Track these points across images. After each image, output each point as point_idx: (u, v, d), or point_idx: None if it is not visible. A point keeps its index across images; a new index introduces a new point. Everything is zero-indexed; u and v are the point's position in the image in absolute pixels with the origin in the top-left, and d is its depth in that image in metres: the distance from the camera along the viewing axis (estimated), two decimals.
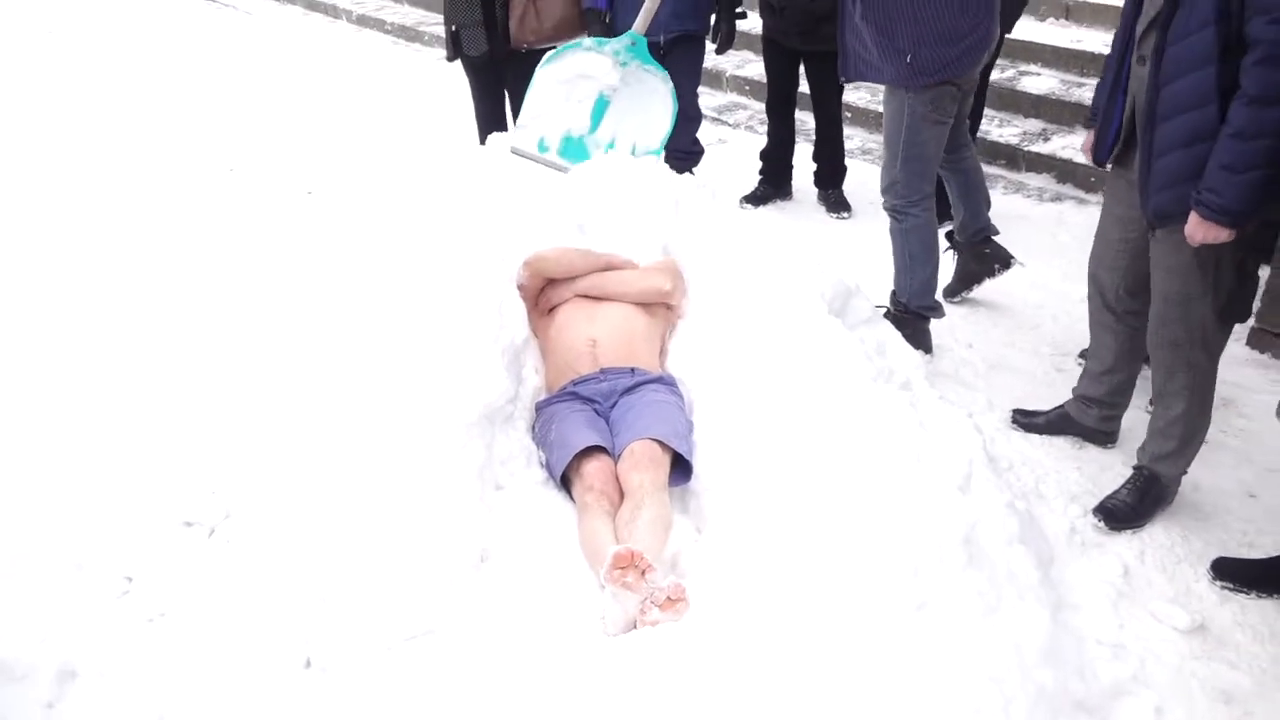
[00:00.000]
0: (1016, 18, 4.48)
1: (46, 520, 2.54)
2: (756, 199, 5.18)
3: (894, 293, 3.79)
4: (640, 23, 3.73)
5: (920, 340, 3.67)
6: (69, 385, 2.93)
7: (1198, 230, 2.45)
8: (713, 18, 4.78)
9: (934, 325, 3.79)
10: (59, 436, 2.77)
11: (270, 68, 8.11)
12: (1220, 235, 2.44)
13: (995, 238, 4.00)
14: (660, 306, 3.04)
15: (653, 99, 3.67)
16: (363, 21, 9.67)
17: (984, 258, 4.01)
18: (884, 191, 3.65)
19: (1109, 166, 2.82)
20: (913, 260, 3.68)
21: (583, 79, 3.69)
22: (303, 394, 2.63)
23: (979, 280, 4.06)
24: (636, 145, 3.63)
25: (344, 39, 9.27)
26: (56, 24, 9.80)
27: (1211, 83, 2.36)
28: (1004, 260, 4.01)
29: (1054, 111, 5.47)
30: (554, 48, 4.88)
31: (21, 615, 2.31)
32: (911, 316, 3.72)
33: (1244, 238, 2.51)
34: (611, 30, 4.66)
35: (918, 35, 3.30)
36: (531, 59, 4.90)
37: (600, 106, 3.65)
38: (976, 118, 4.83)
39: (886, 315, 3.71)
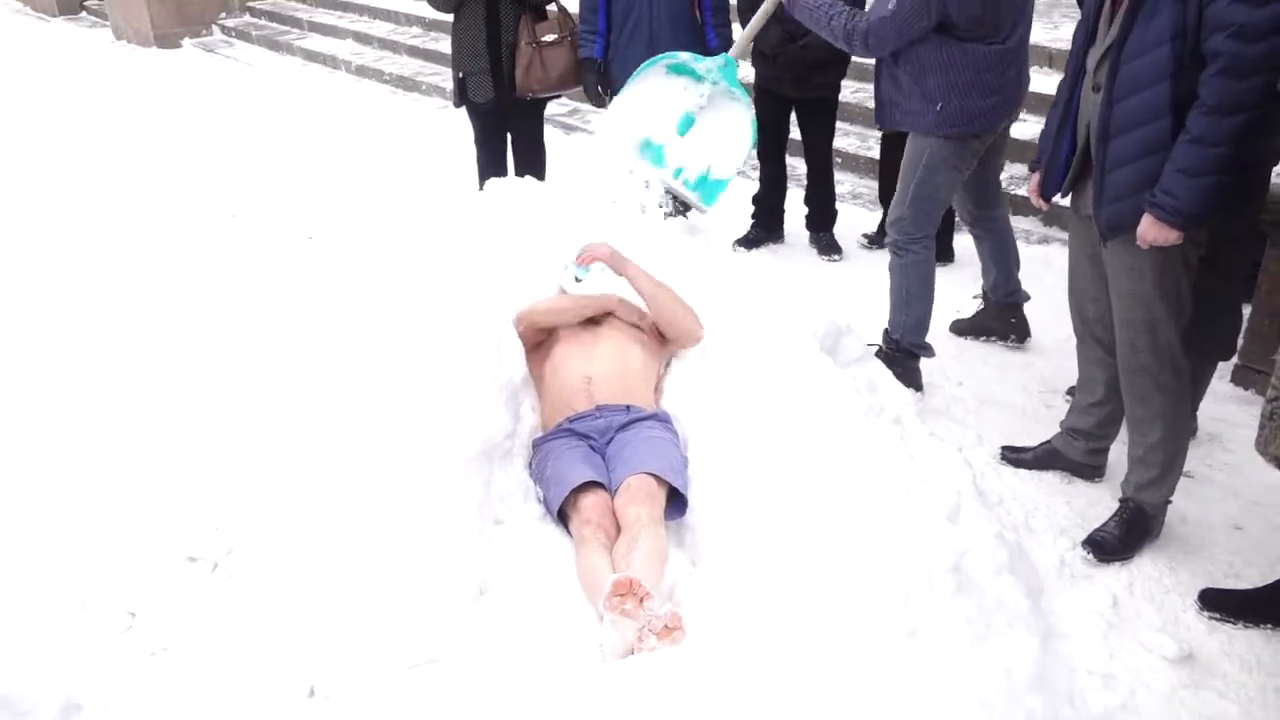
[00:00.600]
0: None
1: (50, 556, 2.57)
2: (749, 242, 5.27)
3: (886, 330, 3.87)
4: (737, 47, 3.90)
5: (910, 378, 3.74)
6: (75, 422, 2.97)
7: (1149, 230, 2.54)
8: None
9: (924, 363, 3.86)
10: (64, 472, 2.81)
11: (270, 117, 8.25)
12: (1170, 236, 2.52)
13: (1032, 312, 4.10)
14: (655, 341, 3.10)
15: (733, 125, 3.77)
16: (361, 72, 9.83)
17: (1007, 323, 4.12)
18: (889, 225, 3.75)
19: (1059, 201, 2.93)
20: (909, 296, 3.76)
21: (675, 90, 3.83)
22: (306, 430, 2.68)
23: (989, 336, 4.15)
24: (711, 168, 3.70)
25: (343, 89, 9.43)
26: (60, 77, 9.97)
27: (1166, 98, 2.47)
28: (1022, 334, 4.11)
29: (1022, 152, 5.58)
30: (558, 96, 5.03)
31: (25, 650, 2.34)
32: (902, 354, 3.79)
33: (1210, 266, 2.60)
34: (606, 79, 4.81)
35: (949, 85, 3.41)
36: (535, 106, 5.06)
37: (686, 122, 3.73)
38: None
39: (878, 353, 3.78)
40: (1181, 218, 2.48)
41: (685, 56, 3.90)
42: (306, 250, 4.51)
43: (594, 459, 2.70)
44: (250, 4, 12.20)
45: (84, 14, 13.93)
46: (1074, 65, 2.77)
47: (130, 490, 2.73)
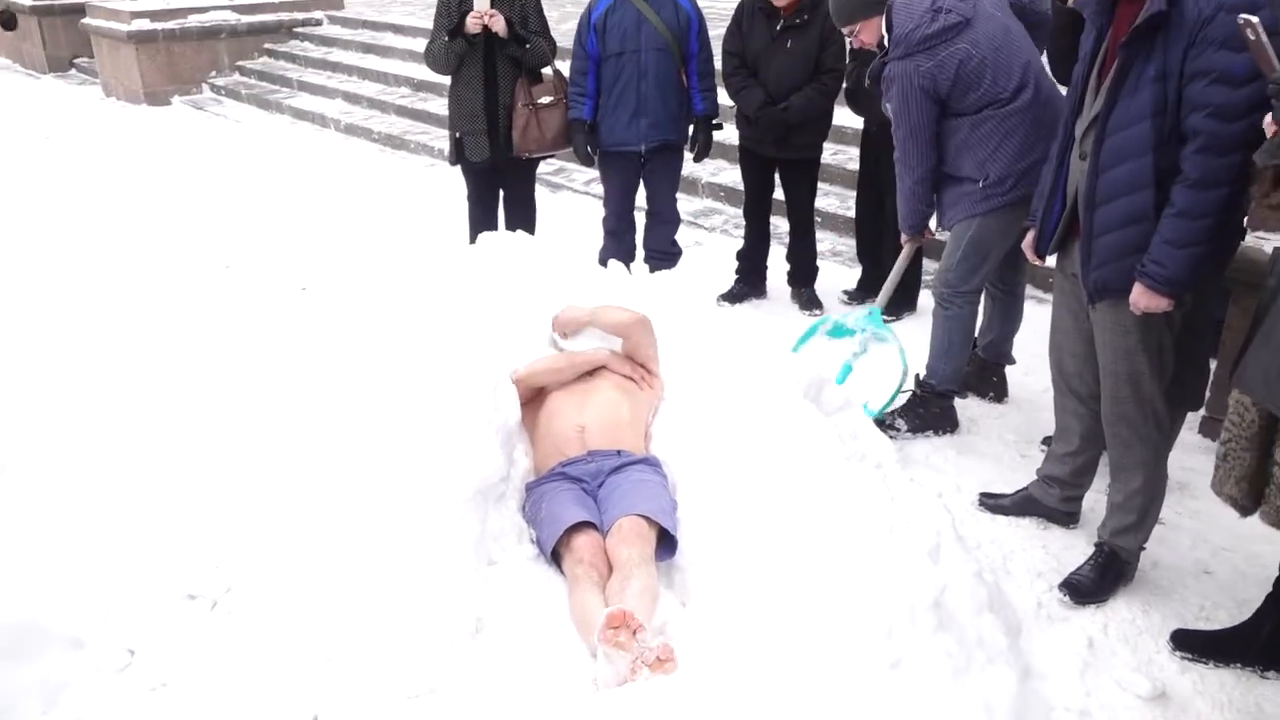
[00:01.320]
0: None
1: (49, 594, 2.60)
2: (733, 297, 5.40)
3: (918, 376, 4.03)
4: (881, 299, 4.19)
5: (948, 418, 3.95)
6: (76, 462, 3.02)
7: (1141, 298, 2.66)
8: (690, 129, 5.09)
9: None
10: (64, 512, 2.85)
11: (261, 172, 8.39)
12: (1161, 304, 2.65)
13: (1009, 369, 4.26)
14: (643, 390, 3.20)
15: (886, 363, 4.03)
16: (350, 130, 10.01)
17: (989, 381, 4.27)
18: (936, 278, 3.87)
19: (1050, 262, 3.06)
20: (951, 346, 3.90)
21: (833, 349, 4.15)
22: (305, 470, 2.75)
23: (969, 391, 4.29)
24: (867, 404, 3.91)
25: (332, 146, 9.60)
26: (54, 130, 10.09)
27: (1148, 170, 2.60)
28: (1000, 394, 4.26)
29: None
30: (551, 156, 5.19)
31: (24, 688, 2.37)
32: (939, 397, 3.95)
33: (1186, 323, 2.73)
34: (595, 139, 4.97)
35: (982, 160, 3.56)
36: (528, 165, 5.22)
37: (845, 370, 4.03)
38: None
39: (913, 398, 3.97)
40: (1171, 286, 2.60)
41: (838, 317, 4.19)
42: (301, 301, 4.59)
43: (586, 501, 2.78)
44: (240, 63, 12.44)
45: (73, 71, 14.15)
46: (1064, 132, 2.92)
47: (130, 528, 2.78)
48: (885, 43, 3.64)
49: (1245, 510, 2.49)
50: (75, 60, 14.12)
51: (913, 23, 3.48)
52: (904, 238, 3.99)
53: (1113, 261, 2.70)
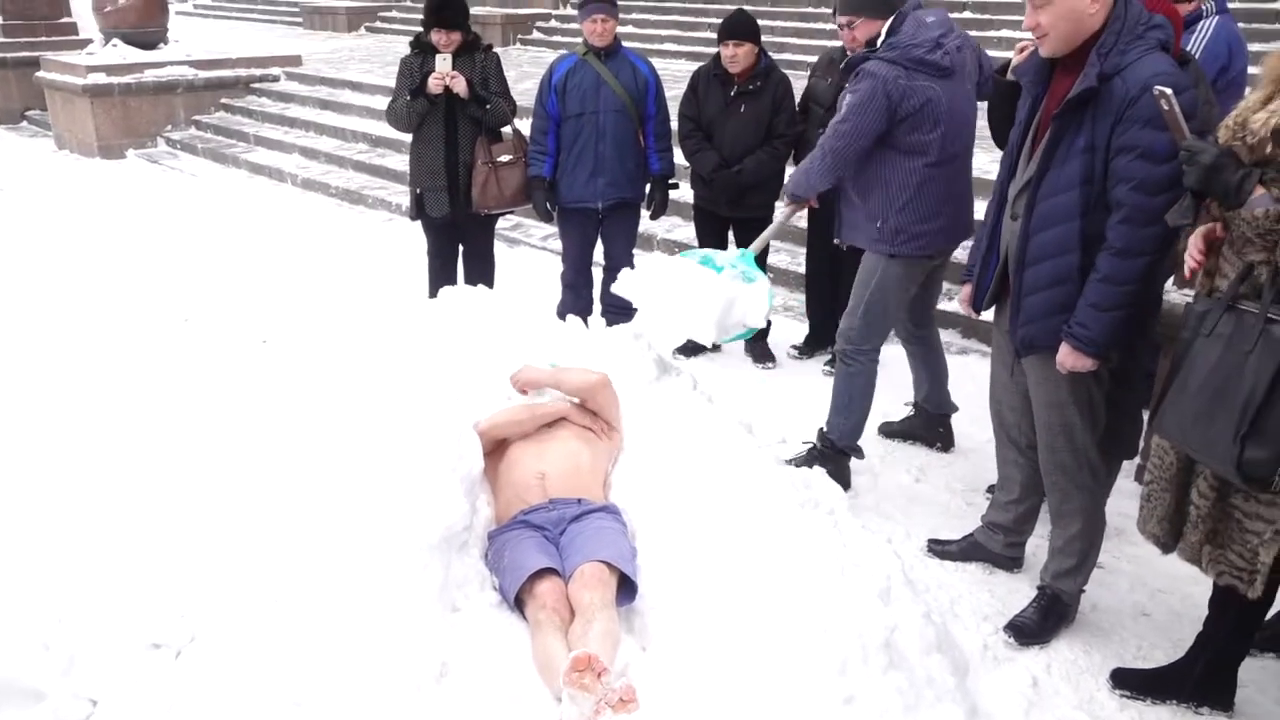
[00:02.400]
0: None
1: (8, 646, 2.60)
2: (689, 350, 5.51)
3: (822, 429, 4.09)
4: (756, 245, 4.28)
5: (840, 476, 3.96)
6: (37, 509, 3.03)
7: (1068, 358, 2.82)
8: (647, 188, 5.24)
9: (856, 466, 4.11)
10: (25, 559, 2.85)
11: (218, 226, 8.41)
12: (1086, 364, 2.80)
13: (953, 416, 4.40)
14: (602, 440, 3.29)
15: (753, 297, 4.04)
16: (308, 185, 10.07)
17: (935, 431, 4.40)
18: (840, 335, 3.98)
19: (985, 316, 3.22)
20: (850, 403, 3.99)
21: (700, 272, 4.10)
22: (270, 519, 2.79)
23: (917, 441, 4.43)
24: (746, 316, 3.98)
25: (290, 201, 9.64)
26: (6, 182, 10.03)
27: (1076, 235, 2.77)
28: (947, 443, 4.40)
29: (956, 273, 5.96)
30: (510, 212, 5.32)
31: None
32: (836, 454, 4.02)
33: (1118, 376, 2.89)
34: (554, 196, 5.12)
35: (888, 202, 3.70)
36: (487, 220, 5.34)
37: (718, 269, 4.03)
38: None
39: (811, 450, 4.01)
40: (1095, 346, 2.76)
41: (708, 252, 4.23)
42: (262, 353, 4.62)
43: (548, 548, 2.85)
44: (196, 117, 12.47)
45: (25, 123, 14.07)
46: (998, 193, 3.09)
47: (93, 576, 2.78)
48: (877, 44, 3.70)
49: (1166, 548, 2.63)
50: (27, 112, 14.06)
51: (916, 40, 3.58)
52: (786, 200, 4.08)
53: (1040, 319, 2.86)
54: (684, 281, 3.94)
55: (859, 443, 4.08)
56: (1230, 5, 4.61)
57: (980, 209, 6.02)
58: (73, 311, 5.93)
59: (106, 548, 2.93)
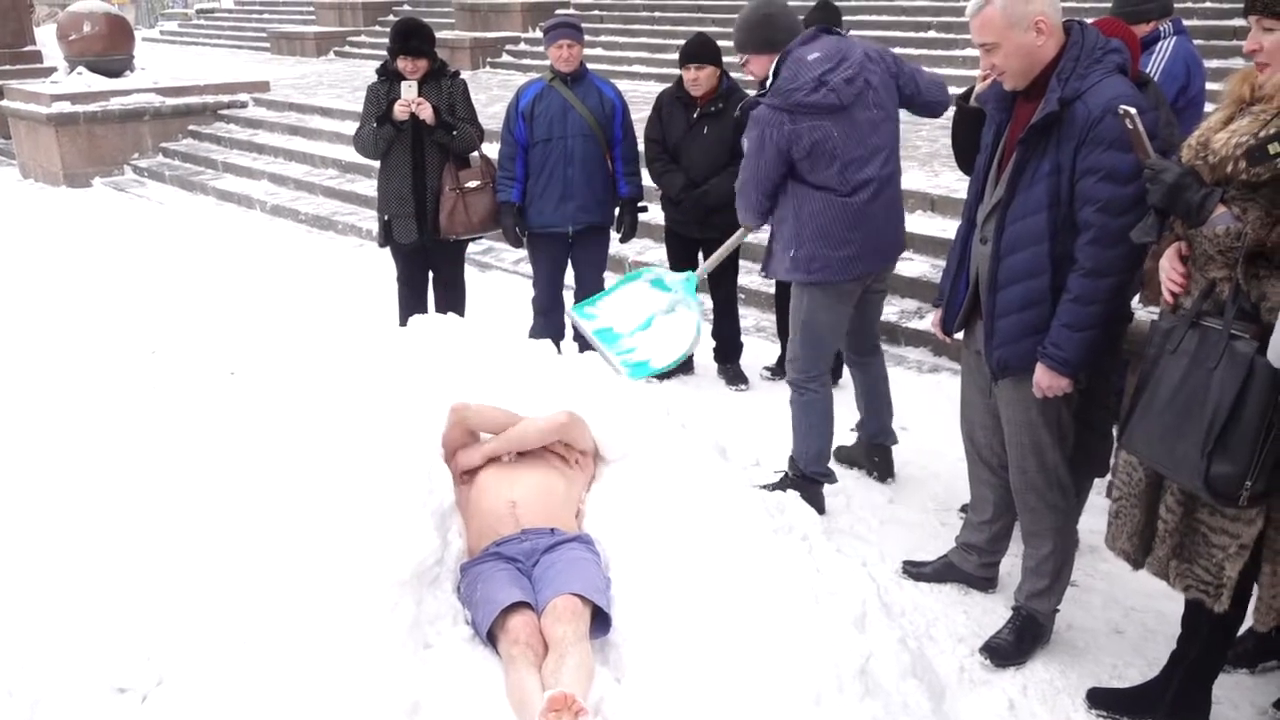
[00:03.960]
0: None
1: None
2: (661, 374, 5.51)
3: (791, 458, 4.10)
4: (703, 269, 4.43)
5: (814, 501, 3.93)
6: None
7: (1044, 379, 2.83)
8: (616, 211, 5.25)
9: (829, 489, 4.11)
10: None
11: (186, 254, 8.35)
12: (1062, 384, 2.82)
13: (894, 448, 4.38)
14: (575, 469, 3.27)
15: (681, 330, 4.19)
16: (276, 211, 10.02)
17: (871, 461, 4.39)
18: (787, 366, 4.03)
19: (956, 338, 3.23)
20: (810, 430, 4.01)
21: (648, 297, 4.30)
22: (238, 558, 2.75)
23: (859, 467, 4.43)
24: (651, 360, 4.12)
25: (258, 228, 9.58)
26: None
27: (1045, 257, 2.80)
28: (884, 473, 4.36)
29: (926, 292, 6.01)
30: (479, 237, 5.33)
31: None
32: (806, 481, 4.01)
33: (1087, 395, 2.91)
34: (523, 221, 5.11)
35: (798, 232, 3.73)
36: (457, 246, 5.33)
37: (647, 322, 4.18)
38: None
39: (784, 479, 4.00)
40: (1070, 366, 2.78)
41: (661, 272, 4.33)
42: (230, 385, 4.58)
43: (521, 580, 2.82)
44: (164, 144, 12.40)
45: None
46: (967, 216, 3.11)
47: (57, 619, 2.73)
48: (767, 84, 3.73)
49: (1136, 563, 2.65)
50: None
51: (795, 83, 3.58)
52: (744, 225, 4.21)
53: (1013, 342, 2.87)
54: (629, 307, 4.10)
55: (830, 466, 4.09)
56: (1188, 23, 4.70)
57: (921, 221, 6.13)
58: (38, 344, 5.86)
59: (70, 588, 2.88)
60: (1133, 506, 2.60)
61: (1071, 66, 2.68)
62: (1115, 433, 3.77)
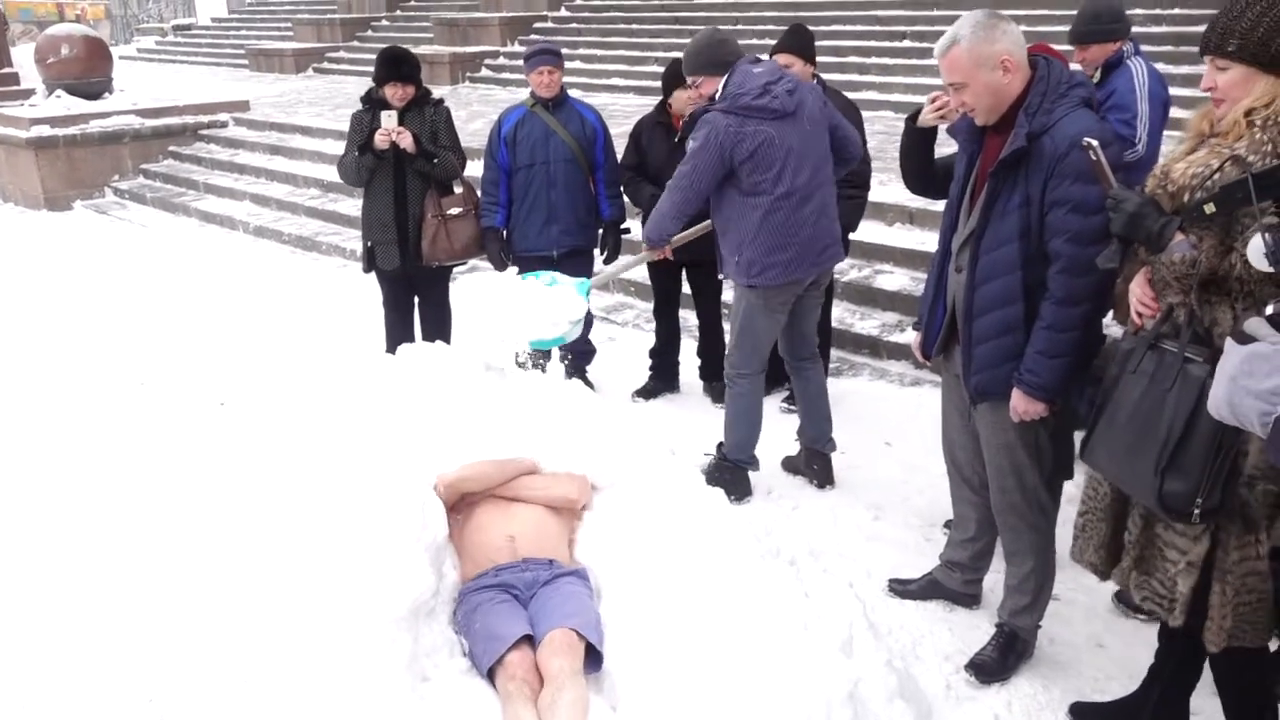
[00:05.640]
0: (858, 221, 5.09)
1: None
2: (647, 393, 5.58)
3: (720, 444, 4.40)
4: (598, 280, 4.62)
5: (738, 487, 4.25)
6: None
7: (1020, 404, 2.91)
8: (600, 233, 5.31)
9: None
10: None
11: (170, 279, 8.34)
12: (1039, 409, 2.90)
13: (833, 455, 4.50)
14: (567, 509, 3.34)
15: (569, 310, 4.23)
16: (260, 232, 10.02)
17: (811, 469, 4.51)
18: (725, 362, 4.32)
19: (936, 359, 3.31)
20: (736, 420, 4.31)
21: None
22: (234, 595, 2.79)
23: (800, 475, 4.56)
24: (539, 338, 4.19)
25: (242, 249, 9.59)
26: None
27: (1018, 286, 2.88)
28: (824, 480, 4.48)
29: (907, 305, 6.10)
30: (462, 263, 5.37)
31: None
32: (730, 466, 4.31)
33: (1057, 416, 3.00)
34: (508, 246, 5.18)
35: (741, 238, 3.99)
36: (441, 271, 5.37)
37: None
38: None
39: (711, 465, 4.32)
40: (1045, 392, 2.87)
41: (555, 274, 4.40)
42: (220, 417, 4.61)
43: (519, 612, 2.87)
44: (144, 166, 12.39)
45: None
46: (942, 246, 3.19)
47: (53, 660, 2.76)
48: (717, 96, 3.99)
49: (1103, 575, 2.74)
50: None
51: (744, 89, 3.87)
52: (645, 246, 4.41)
53: (990, 368, 2.95)
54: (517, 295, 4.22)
55: (755, 454, 4.37)
56: (1157, 29, 4.75)
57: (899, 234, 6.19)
58: (24, 376, 5.87)
59: (66, 628, 2.91)
60: (1099, 520, 2.68)
61: (1038, 102, 2.76)
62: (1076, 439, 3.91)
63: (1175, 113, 4.45)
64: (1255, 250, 2.01)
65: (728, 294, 6.35)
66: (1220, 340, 2.28)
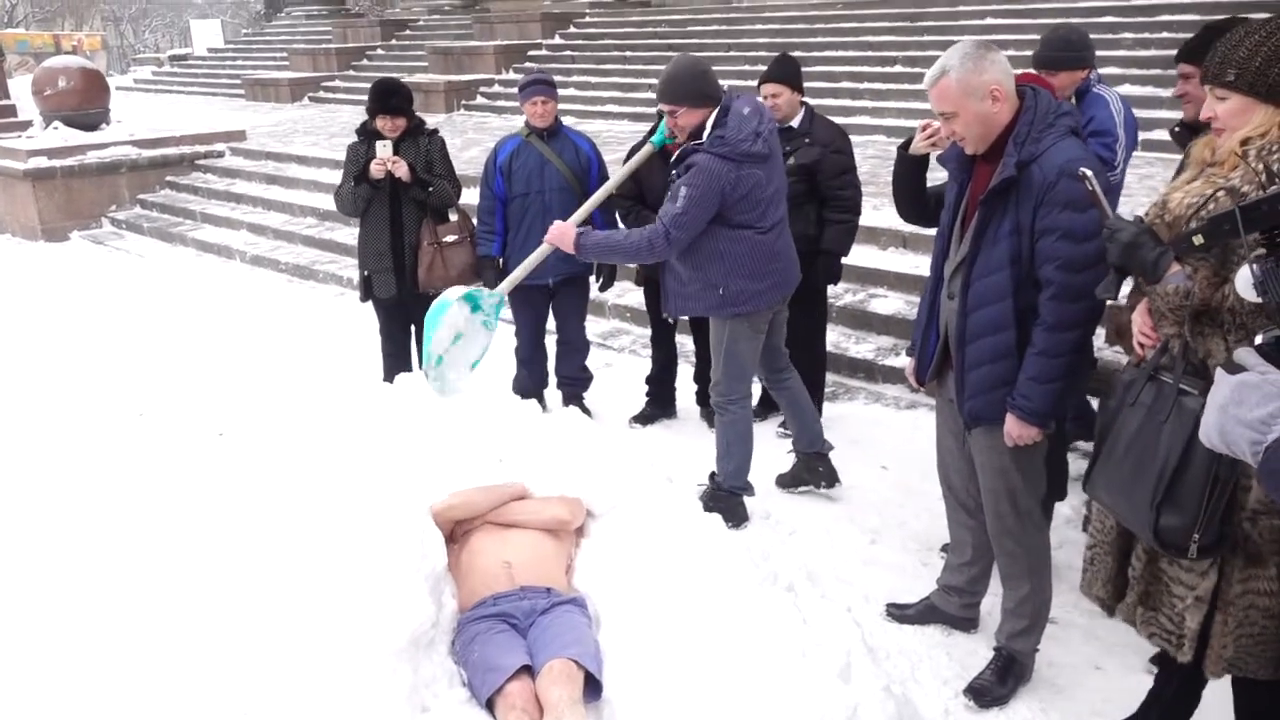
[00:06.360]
0: (849, 245, 5.12)
1: None
2: (645, 418, 5.59)
3: (713, 473, 4.41)
4: (504, 286, 4.53)
5: (735, 514, 4.25)
6: None
7: (1013, 429, 2.94)
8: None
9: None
10: None
11: (168, 309, 8.37)
12: (1032, 434, 2.93)
13: (830, 454, 4.58)
14: (565, 531, 3.35)
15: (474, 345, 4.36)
16: (257, 261, 10.06)
17: (815, 472, 4.58)
18: (711, 390, 4.36)
19: (930, 385, 3.33)
20: (730, 447, 4.33)
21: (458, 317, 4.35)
22: (234, 630, 2.80)
23: (805, 485, 4.61)
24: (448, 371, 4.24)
25: (239, 279, 9.62)
26: None
27: (1009, 312, 2.91)
28: (830, 479, 4.57)
29: (902, 329, 6.12)
30: None
31: None
32: (726, 494, 4.31)
33: (1050, 440, 3.02)
34: (503, 273, 5.20)
35: (728, 270, 4.05)
36: None
37: (456, 337, 4.29)
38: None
39: (705, 492, 4.34)
40: (1038, 416, 2.89)
41: (475, 290, 4.48)
42: (218, 448, 4.62)
43: (518, 642, 2.88)
44: (141, 196, 12.44)
45: None
46: (934, 272, 3.22)
47: (55, 691, 2.76)
48: (703, 135, 4.01)
49: (1110, 610, 2.72)
50: None
51: (741, 135, 3.95)
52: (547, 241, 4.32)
53: (984, 393, 2.98)
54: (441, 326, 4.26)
55: (749, 480, 4.38)
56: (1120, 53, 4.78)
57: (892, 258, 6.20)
58: (22, 407, 5.88)
59: (62, 659, 2.91)
60: (1105, 554, 2.68)
61: (1026, 131, 2.80)
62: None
63: (1158, 136, 4.50)
64: (1244, 281, 2.03)
65: None
66: (1214, 372, 2.28)
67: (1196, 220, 2.30)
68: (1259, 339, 1.95)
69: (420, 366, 4.43)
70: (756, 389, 5.83)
